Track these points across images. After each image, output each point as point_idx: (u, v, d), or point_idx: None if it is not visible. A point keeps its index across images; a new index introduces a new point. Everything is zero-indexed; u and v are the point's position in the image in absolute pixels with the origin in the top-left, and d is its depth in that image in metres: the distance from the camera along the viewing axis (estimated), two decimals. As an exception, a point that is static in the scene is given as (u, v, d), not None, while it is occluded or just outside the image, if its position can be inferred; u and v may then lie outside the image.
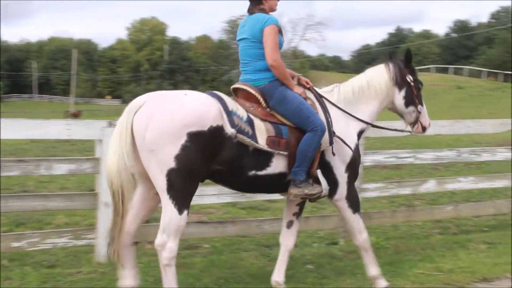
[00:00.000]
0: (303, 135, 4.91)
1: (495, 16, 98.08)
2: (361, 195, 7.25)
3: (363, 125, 5.46)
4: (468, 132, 8.31)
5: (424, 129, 5.76)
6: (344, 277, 5.85)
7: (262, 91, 5.04)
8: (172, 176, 4.35)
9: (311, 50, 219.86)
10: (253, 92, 5.02)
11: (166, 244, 4.43)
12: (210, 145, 4.47)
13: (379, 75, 5.58)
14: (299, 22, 67.71)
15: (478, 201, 9.68)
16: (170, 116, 4.35)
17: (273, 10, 5.22)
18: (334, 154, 5.08)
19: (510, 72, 61.22)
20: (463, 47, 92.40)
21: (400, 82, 5.59)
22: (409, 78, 5.61)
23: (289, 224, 5.48)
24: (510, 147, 8.66)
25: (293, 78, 5.32)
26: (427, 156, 7.82)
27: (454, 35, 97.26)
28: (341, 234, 7.34)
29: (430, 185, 7.88)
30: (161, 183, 4.40)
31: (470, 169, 13.96)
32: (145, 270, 5.68)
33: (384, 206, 9.69)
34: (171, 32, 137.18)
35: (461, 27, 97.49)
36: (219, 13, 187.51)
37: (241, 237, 7.40)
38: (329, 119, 5.13)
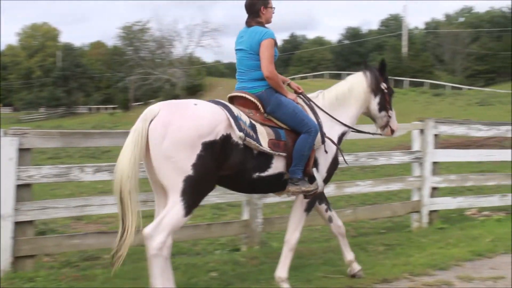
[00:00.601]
0: (298, 136, 5.38)
1: (385, 23, 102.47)
2: (262, 201, 7.41)
3: (345, 129, 6.00)
4: (359, 136, 8.63)
5: (392, 131, 6.42)
6: (248, 283, 5.90)
7: (260, 98, 5.47)
8: (188, 182, 4.69)
9: (207, 56, 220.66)
10: (252, 99, 5.45)
11: (157, 236, 4.64)
12: (221, 153, 4.87)
13: (358, 82, 6.16)
14: (194, 28, 67.55)
15: (375, 204, 10.08)
16: (186, 127, 4.70)
17: (269, 21, 5.68)
18: (326, 152, 5.63)
19: (399, 78, 64.22)
20: (355, 54, 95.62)
21: (375, 89, 6.19)
22: (383, 85, 6.24)
23: (330, 219, 6.15)
24: (405, 151, 9.09)
25: (284, 83, 5.75)
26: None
27: (346, 41, 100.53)
28: (243, 240, 7.42)
29: (329, 189, 8.03)
30: (175, 186, 4.69)
31: (366, 172, 14.49)
32: (43, 284, 5.50)
33: (285, 211, 9.88)
34: (64, 38, 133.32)
35: (353, 34, 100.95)
36: (114, 19, 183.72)
37: (142, 247, 7.30)
38: (319, 120, 5.65)
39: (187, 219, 4.81)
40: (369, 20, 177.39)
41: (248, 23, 5.63)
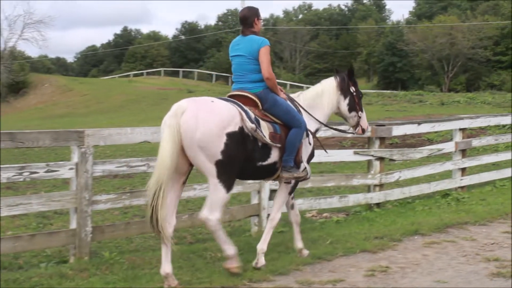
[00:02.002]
0: (289, 130, 6.65)
1: (223, 18, 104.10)
2: (92, 208, 7.25)
3: (318, 125, 7.30)
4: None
5: (363, 130, 7.64)
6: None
7: (258, 96, 6.68)
8: (220, 166, 5.97)
9: (31, 50, 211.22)
10: (252, 97, 6.67)
11: (212, 216, 6.05)
12: (239, 141, 6.10)
13: (330, 85, 7.40)
14: (16, 20, 64.33)
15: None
16: (212, 120, 5.95)
17: (259, 30, 6.94)
18: (310, 144, 7.03)
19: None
20: (192, 50, 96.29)
21: (345, 92, 7.43)
22: (352, 89, 7.48)
23: (292, 206, 7.38)
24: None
25: None
26: (162, 163, 8.00)
27: (182, 37, 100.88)
28: (71, 251, 7.21)
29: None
30: (211, 171, 6.00)
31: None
32: None
33: (117, 218, 9.74)
34: None
35: (190, 29, 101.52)
36: None
37: None
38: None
39: (229, 195, 6.19)
40: (207, 14, 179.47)
41: (244, 33, 6.84)
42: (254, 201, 9.02)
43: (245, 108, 6.33)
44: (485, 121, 13.29)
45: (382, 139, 10.48)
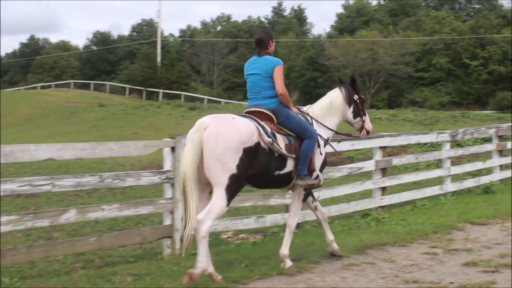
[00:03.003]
0: (302, 142, 7.65)
1: (137, 29, 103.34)
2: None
3: (329, 134, 8.38)
4: (111, 155, 8.64)
5: (368, 132, 8.91)
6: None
7: (273, 111, 7.70)
8: (232, 179, 6.87)
9: None
10: (268, 112, 7.68)
11: (207, 221, 6.78)
12: (254, 156, 7.07)
13: (336, 96, 8.51)
14: None
15: (123, 230, 10.09)
16: (233, 135, 6.88)
17: (273, 51, 8.03)
18: (321, 154, 8.03)
19: (153, 89, 65.20)
20: (105, 61, 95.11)
21: (349, 101, 8.55)
22: (355, 97, 8.61)
23: (315, 208, 8.42)
24: (156, 170, 9.23)
25: None
26: (67, 183, 7.81)
27: (94, 47, 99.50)
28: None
29: (71, 215, 7.88)
30: (222, 182, 6.84)
31: (115, 194, 14.45)
32: None
33: (19, 240, 9.48)
34: None
35: (102, 39, 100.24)
36: None
37: None
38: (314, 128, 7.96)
39: (227, 209, 7.03)
40: (120, 24, 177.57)
41: (259, 54, 7.94)
42: (167, 222, 8.95)
43: (262, 123, 7.32)
44: (406, 139, 13.66)
45: (301, 157, 10.60)
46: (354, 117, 8.67)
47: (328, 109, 8.42)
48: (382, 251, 8.83)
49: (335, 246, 8.39)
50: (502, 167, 15.98)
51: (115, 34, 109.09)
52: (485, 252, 8.78)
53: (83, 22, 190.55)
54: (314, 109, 8.40)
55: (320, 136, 8.03)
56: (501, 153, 15.88)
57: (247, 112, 7.72)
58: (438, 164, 16.03)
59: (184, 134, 9.30)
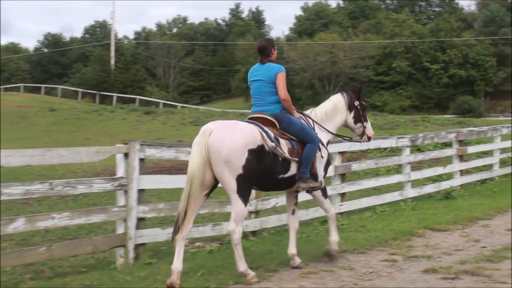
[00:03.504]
0: (304, 146, 8.16)
1: (90, 31, 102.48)
2: None
3: (331, 137, 8.95)
4: (61, 162, 8.53)
5: (369, 138, 9.34)
6: None
7: (276, 117, 8.20)
8: (240, 180, 7.40)
9: None
10: (271, 118, 8.18)
11: (236, 229, 7.50)
12: (259, 158, 7.55)
13: (338, 101, 9.05)
14: None
15: (74, 239, 9.97)
16: (237, 138, 7.41)
17: (275, 58, 8.52)
18: (322, 157, 8.52)
19: (107, 93, 64.68)
20: (56, 64, 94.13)
21: (350, 107, 9.10)
22: (356, 103, 9.13)
23: (293, 212, 8.73)
24: (108, 177, 9.15)
25: None
26: (15, 191, 7.70)
27: (45, 50, 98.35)
28: None
29: (19, 224, 7.76)
30: (232, 186, 7.41)
31: (66, 202, 14.28)
32: None
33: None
34: None
35: (53, 41, 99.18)
36: None
37: None
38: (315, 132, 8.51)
39: (247, 208, 7.70)
40: (72, 26, 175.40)
41: (262, 61, 8.45)
42: (120, 230, 8.88)
43: (265, 128, 7.80)
44: (366, 144, 13.72)
45: (258, 163, 10.62)
46: (355, 122, 9.20)
47: (330, 113, 8.96)
48: (341, 258, 8.87)
49: (297, 260, 8.49)
50: (463, 172, 16.22)
51: (67, 36, 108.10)
52: (445, 259, 8.89)
53: (34, 23, 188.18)
54: (318, 112, 8.95)
55: (320, 140, 8.48)
56: (462, 158, 16.10)
57: (250, 118, 8.24)
58: (398, 169, 16.19)
59: (139, 139, 9.27)
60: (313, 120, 8.78)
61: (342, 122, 9.11)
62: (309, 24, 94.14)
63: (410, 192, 14.26)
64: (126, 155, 8.85)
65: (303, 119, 8.59)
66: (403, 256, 9.05)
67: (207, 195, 7.76)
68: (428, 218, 11.83)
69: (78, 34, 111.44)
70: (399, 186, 14.47)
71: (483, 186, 16.41)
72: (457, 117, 52.95)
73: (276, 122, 8.19)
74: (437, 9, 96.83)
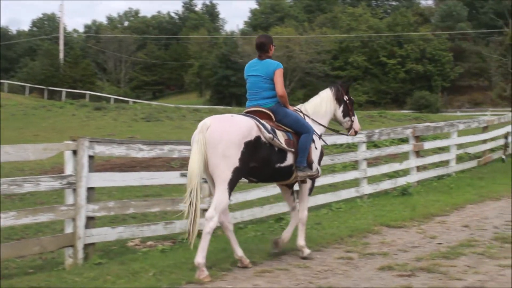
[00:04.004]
0: (299, 136, 8.66)
1: (38, 24, 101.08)
2: None
3: (322, 130, 9.37)
4: (7, 159, 8.38)
5: (356, 132, 9.95)
6: None
7: (271, 110, 8.70)
8: (235, 172, 7.77)
9: None
10: (267, 111, 8.65)
11: (214, 218, 7.73)
12: (255, 149, 7.97)
13: (328, 96, 9.51)
14: None
15: (21, 239, 9.84)
16: (234, 132, 7.79)
17: (272, 54, 8.97)
18: (316, 148, 9.02)
19: (56, 88, 63.86)
20: (2, 58, 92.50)
21: (339, 100, 9.57)
22: (345, 97, 9.62)
23: (293, 208, 9.32)
24: (56, 175, 9.05)
25: None
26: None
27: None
28: None
29: (-38, 224, 7.66)
30: (225, 177, 7.74)
31: (14, 201, 14.07)
32: None
33: None
34: None
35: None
36: None
37: None
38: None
39: (229, 200, 8.01)
40: (19, 19, 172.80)
41: (260, 57, 8.89)
42: (68, 230, 8.80)
43: (262, 121, 8.25)
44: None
45: (212, 160, 10.61)
46: (344, 116, 9.67)
47: (319, 107, 9.41)
48: (296, 256, 8.93)
49: (306, 250, 8.98)
50: (419, 168, 16.46)
51: (13, 29, 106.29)
52: (401, 256, 9.01)
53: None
54: (307, 107, 9.39)
55: (314, 131, 8.98)
56: (418, 154, 16.33)
57: (246, 112, 8.65)
58: (354, 165, 16.32)
59: (89, 136, 9.18)
60: (304, 114, 9.19)
61: (331, 115, 9.55)
62: (264, 18, 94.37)
63: (367, 188, 14.40)
64: (74, 152, 8.77)
65: (298, 112, 9.08)
66: (359, 253, 9.15)
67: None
68: (384, 215, 11.98)
69: (26, 27, 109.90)
70: (355, 183, 14.58)
71: (440, 182, 16.63)
72: (414, 113, 53.74)
73: (272, 115, 8.66)
74: (394, 3, 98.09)
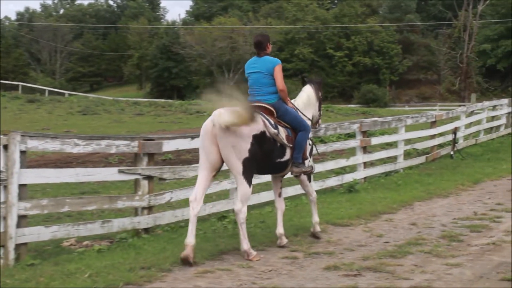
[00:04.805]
0: (296, 133, 9.52)
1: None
2: None
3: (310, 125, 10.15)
4: None
5: (319, 125, 11.05)
6: None
7: (273, 106, 9.46)
8: (245, 163, 8.63)
9: None
10: (269, 107, 9.42)
11: (242, 209, 8.70)
12: (261, 143, 8.79)
13: (311, 92, 10.46)
14: None
15: None
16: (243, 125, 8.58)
17: (269, 52, 9.80)
18: (310, 144, 10.06)
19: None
20: None
21: (318, 96, 10.60)
22: (320, 94, 10.68)
23: (279, 194, 10.12)
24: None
25: None
26: None
27: None
28: None
29: None
30: (238, 168, 8.64)
31: None
32: None
33: None
34: None
35: None
36: None
37: None
38: None
39: (251, 189, 8.90)
40: None
41: (259, 54, 9.71)
42: (-1, 229, 8.64)
43: (266, 116, 9.07)
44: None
45: (151, 155, 10.53)
46: (319, 110, 10.73)
47: (307, 103, 10.31)
48: (239, 256, 8.93)
49: (284, 239, 9.76)
50: (366, 165, 16.60)
51: None
52: (347, 255, 9.10)
53: None
54: (298, 102, 10.21)
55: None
56: (365, 149, 16.47)
57: None
58: (300, 161, 16.36)
59: (21, 130, 9.03)
60: (296, 109, 9.96)
61: (314, 111, 10.50)
62: (207, 7, 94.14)
63: (312, 185, 14.41)
64: (5, 147, 8.62)
65: (295, 109, 9.89)
66: (304, 252, 9.21)
67: (214, 176, 9.03)
68: (330, 213, 12.07)
69: None
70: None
71: (387, 179, 16.81)
72: (362, 107, 54.38)
73: (274, 111, 9.43)
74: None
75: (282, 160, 9.37)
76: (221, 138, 8.59)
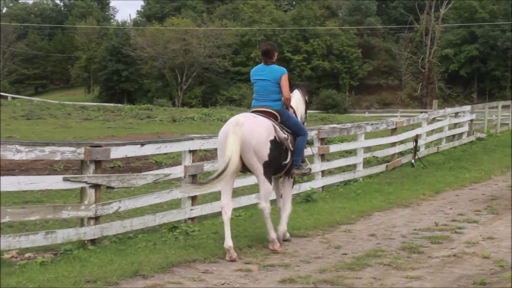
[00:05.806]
0: (296, 137, 10.57)
1: None
2: None
3: None
4: None
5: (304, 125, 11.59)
6: None
7: (278, 112, 10.42)
8: (266, 165, 9.81)
9: None
10: (274, 112, 10.38)
11: (266, 206, 9.96)
12: (276, 146, 9.92)
13: (299, 96, 11.39)
14: None
15: None
16: (263, 131, 9.81)
17: (275, 59, 10.71)
18: (306, 148, 11.37)
19: None
20: None
21: (305, 101, 11.60)
22: (306, 97, 11.67)
23: (281, 195, 10.97)
24: None
25: None
26: None
27: None
28: None
29: None
30: (259, 169, 9.83)
31: None
32: None
33: None
34: None
35: None
36: None
37: None
38: None
39: (272, 187, 10.16)
40: None
41: (266, 62, 10.59)
42: None
43: (275, 122, 10.17)
44: (219, 141, 13.80)
45: (98, 163, 10.41)
46: (305, 113, 11.67)
47: (296, 106, 11.13)
48: (190, 268, 8.89)
49: (286, 235, 10.92)
50: (324, 173, 16.63)
51: None
52: (304, 267, 9.11)
53: None
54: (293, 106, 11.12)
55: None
56: (323, 157, 16.50)
57: (254, 111, 10.45)
58: (255, 169, 16.34)
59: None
60: (296, 114, 11.00)
61: (302, 112, 11.43)
62: (159, 8, 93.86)
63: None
64: None
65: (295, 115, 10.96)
66: (258, 265, 9.19)
67: (235, 177, 10.22)
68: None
69: None
70: (255, 189, 14.60)
71: (346, 188, 16.87)
72: (321, 113, 54.66)
73: (278, 116, 10.40)
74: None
75: (285, 162, 10.40)
76: (242, 144, 9.55)
